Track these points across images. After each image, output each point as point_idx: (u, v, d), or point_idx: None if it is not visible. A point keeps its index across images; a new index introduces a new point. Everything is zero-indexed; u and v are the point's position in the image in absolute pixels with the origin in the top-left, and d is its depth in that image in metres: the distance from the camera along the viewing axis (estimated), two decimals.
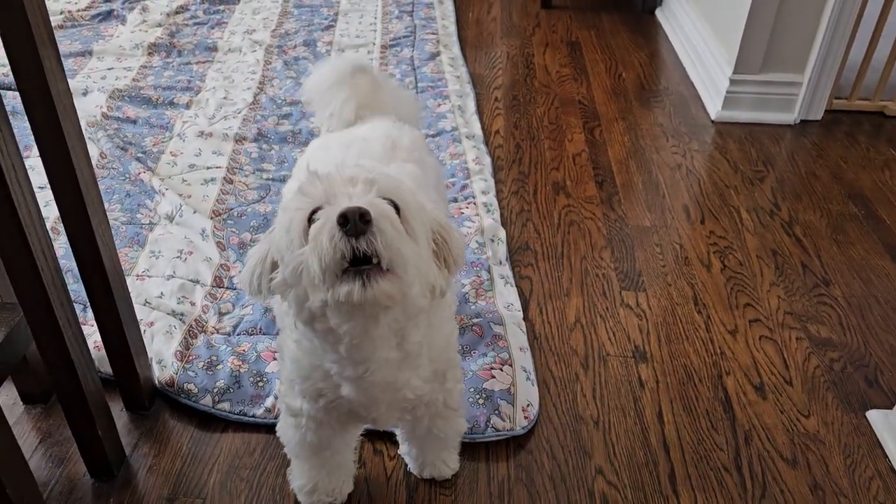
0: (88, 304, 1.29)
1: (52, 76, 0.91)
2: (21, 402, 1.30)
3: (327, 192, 0.78)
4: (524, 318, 1.49)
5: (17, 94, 1.81)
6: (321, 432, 1.02)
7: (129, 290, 1.21)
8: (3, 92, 2.06)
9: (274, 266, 0.84)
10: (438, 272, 0.84)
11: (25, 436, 1.26)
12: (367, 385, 0.90)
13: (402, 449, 1.20)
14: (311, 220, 0.77)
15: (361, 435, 1.24)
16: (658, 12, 2.97)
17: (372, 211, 0.72)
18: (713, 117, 2.25)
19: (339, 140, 1.21)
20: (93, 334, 1.30)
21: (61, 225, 1.53)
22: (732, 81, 2.19)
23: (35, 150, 1.51)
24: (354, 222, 0.71)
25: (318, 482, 1.12)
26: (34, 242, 0.92)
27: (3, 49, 0.89)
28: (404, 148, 1.18)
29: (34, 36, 0.87)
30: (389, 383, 0.90)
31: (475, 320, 1.42)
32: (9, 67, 0.91)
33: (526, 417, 1.26)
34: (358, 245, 0.72)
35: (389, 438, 1.25)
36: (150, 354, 1.33)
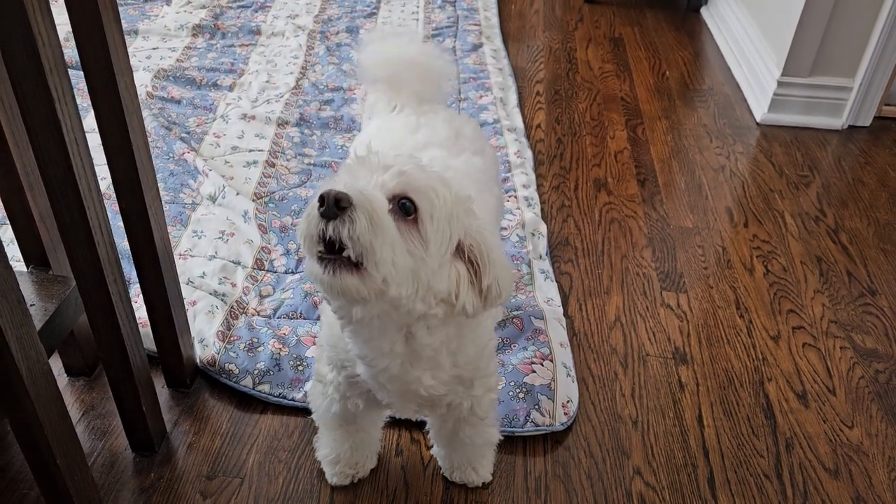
0: (134, 280, 1.31)
1: (115, 52, 0.92)
2: (65, 375, 1.32)
3: (356, 172, 0.78)
4: (564, 314, 1.48)
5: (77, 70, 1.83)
6: (345, 405, 1.02)
7: None
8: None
9: None
10: (468, 290, 0.81)
11: (69, 408, 1.27)
12: (374, 371, 0.89)
13: (434, 450, 1.20)
14: None
15: (398, 423, 1.25)
16: (703, 11, 2.92)
17: (354, 198, 0.71)
18: (758, 119, 2.21)
19: (403, 123, 1.20)
20: (137, 310, 1.31)
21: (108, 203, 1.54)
22: (780, 84, 2.16)
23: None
24: (328, 206, 0.70)
25: (341, 454, 1.13)
26: (92, 216, 0.93)
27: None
28: (468, 137, 1.17)
29: (100, 10, 0.88)
30: (395, 376, 0.89)
31: (515, 313, 1.42)
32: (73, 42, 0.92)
33: (566, 413, 1.26)
34: (325, 228, 0.71)
35: (426, 428, 1.24)
36: (192, 333, 1.34)
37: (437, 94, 1.30)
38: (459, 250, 0.81)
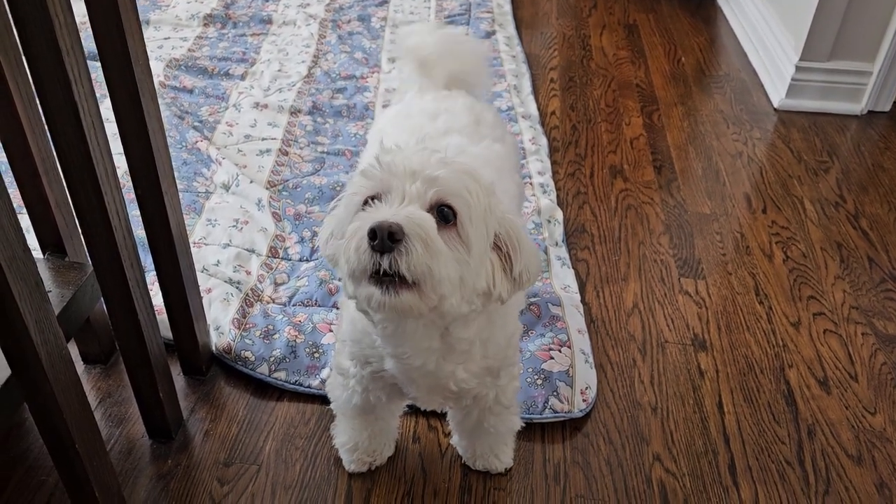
0: (149, 267, 1.30)
1: (131, 35, 0.91)
2: (82, 362, 1.32)
3: (385, 182, 0.77)
4: (581, 301, 1.47)
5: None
6: (366, 397, 1.03)
7: None
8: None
9: (332, 234, 0.85)
10: (502, 278, 0.82)
11: (86, 396, 1.27)
12: (406, 366, 0.89)
13: (454, 440, 1.19)
14: (364, 204, 0.77)
15: (416, 410, 1.24)
16: None
17: (406, 227, 0.71)
18: (776, 105, 2.18)
19: (421, 109, 1.19)
20: (153, 298, 1.30)
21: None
22: (798, 69, 2.13)
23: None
24: (382, 239, 0.71)
25: (359, 442, 1.13)
26: (109, 200, 0.92)
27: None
28: (488, 124, 1.16)
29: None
30: (430, 371, 0.89)
31: (533, 300, 1.41)
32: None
33: (584, 400, 1.25)
34: (381, 261, 0.72)
35: (444, 416, 1.24)
36: (207, 321, 1.34)
37: (471, 78, 1.30)
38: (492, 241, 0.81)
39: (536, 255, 0.84)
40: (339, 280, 0.94)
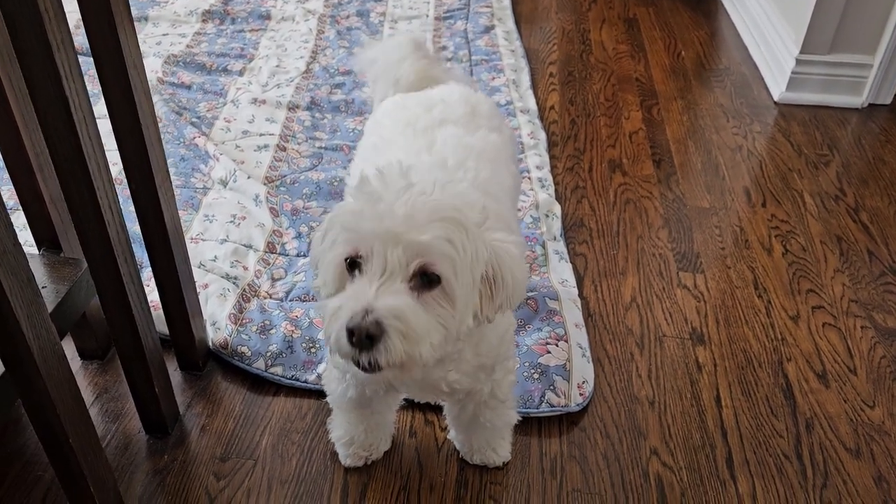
0: (146, 263, 1.30)
1: (123, 29, 0.91)
2: (78, 358, 1.32)
3: (366, 242, 0.75)
4: (579, 295, 1.46)
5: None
6: (362, 390, 1.03)
7: None
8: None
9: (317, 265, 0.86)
10: (486, 303, 0.81)
11: (82, 391, 1.26)
12: (398, 377, 0.89)
13: (451, 434, 1.19)
14: (346, 260, 0.78)
15: (413, 405, 1.24)
16: None
17: (384, 323, 0.72)
18: (776, 98, 2.17)
19: (416, 100, 1.18)
20: (149, 294, 1.30)
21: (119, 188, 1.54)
22: (798, 62, 2.12)
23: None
24: (360, 340, 0.72)
25: (356, 436, 1.13)
26: (101, 194, 0.92)
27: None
28: (484, 114, 1.16)
29: None
30: (420, 379, 0.90)
31: (530, 294, 1.40)
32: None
33: (581, 394, 1.24)
34: (360, 358, 0.74)
35: (441, 410, 1.23)
36: (204, 316, 1.34)
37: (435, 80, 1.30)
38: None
39: (522, 283, 0.83)
40: None
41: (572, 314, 1.38)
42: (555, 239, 1.59)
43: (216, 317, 1.36)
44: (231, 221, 1.60)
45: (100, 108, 1.70)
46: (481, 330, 0.89)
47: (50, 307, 1.04)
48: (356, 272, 0.77)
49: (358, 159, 1.21)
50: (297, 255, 1.53)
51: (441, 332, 0.76)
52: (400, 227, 0.74)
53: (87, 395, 1.27)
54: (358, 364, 0.75)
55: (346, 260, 0.78)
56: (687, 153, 1.94)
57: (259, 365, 1.29)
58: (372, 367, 0.74)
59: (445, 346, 0.78)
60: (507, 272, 0.81)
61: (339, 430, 1.14)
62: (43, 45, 0.80)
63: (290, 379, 1.27)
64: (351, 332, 0.72)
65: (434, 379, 0.90)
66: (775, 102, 2.17)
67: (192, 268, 1.30)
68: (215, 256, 1.50)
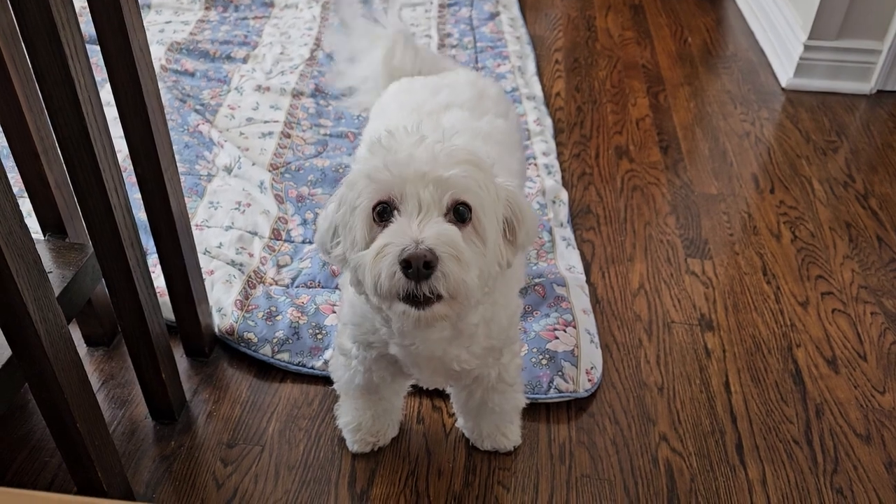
0: (151, 250, 1.29)
1: (129, 12, 0.90)
2: (84, 344, 1.32)
3: (395, 187, 0.75)
4: (587, 282, 1.45)
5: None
6: (369, 377, 1.03)
7: None
8: None
9: (335, 233, 0.83)
10: (506, 248, 0.83)
11: (89, 377, 1.27)
12: (412, 353, 0.90)
13: (459, 423, 1.18)
14: (374, 209, 0.77)
15: (420, 391, 1.23)
16: None
17: (438, 251, 0.71)
18: (784, 85, 2.15)
19: (423, 84, 1.17)
20: (155, 280, 1.30)
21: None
22: (806, 48, 2.10)
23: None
24: (418, 269, 0.71)
25: (363, 422, 1.12)
26: (107, 177, 0.91)
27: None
28: (491, 98, 1.15)
29: None
30: (437, 356, 0.90)
31: (537, 280, 1.39)
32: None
33: (590, 380, 1.23)
34: (419, 289, 0.72)
35: (448, 396, 1.23)
36: (210, 302, 1.33)
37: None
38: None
39: (535, 218, 0.86)
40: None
41: (580, 300, 1.37)
42: (562, 225, 1.58)
43: (222, 303, 1.35)
44: (236, 208, 1.59)
45: (105, 96, 1.69)
46: (494, 307, 0.90)
47: (56, 292, 1.03)
48: (388, 221, 0.76)
49: (363, 145, 1.20)
50: (303, 242, 1.52)
51: (479, 267, 0.76)
52: (426, 166, 0.75)
53: (94, 381, 1.26)
54: (413, 299, 0.73)
55: (374, 209, 0.77)
56: (694, 139, 1.93)
57: (265, 351, 1.28)
58: (429, 299, 0.73)
59: (481, 287, 0.78)
60: (524, 209, 0.83)
61: (347, 416, 1.14)
62: (48, 24, 0.79)
63: (296, 365, 1.27)
64: (406, 264, 0.71)
65: (448, 358, 0.90)
66: (783, 89, 2.15)
67: (198, 254, 1.30)
68: (220, 243, 1.49)
